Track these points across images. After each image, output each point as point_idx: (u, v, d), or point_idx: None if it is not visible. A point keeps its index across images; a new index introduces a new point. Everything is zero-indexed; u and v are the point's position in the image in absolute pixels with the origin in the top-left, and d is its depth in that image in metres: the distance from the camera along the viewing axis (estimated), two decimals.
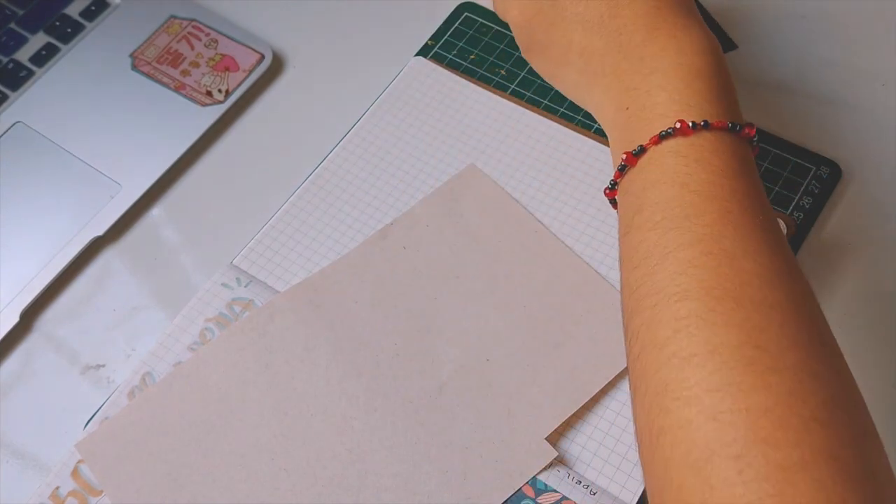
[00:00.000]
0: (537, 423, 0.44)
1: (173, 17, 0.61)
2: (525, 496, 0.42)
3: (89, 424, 0.46)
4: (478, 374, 0.45)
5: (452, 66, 0.58)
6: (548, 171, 0.52)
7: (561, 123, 0.54)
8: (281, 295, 0.48)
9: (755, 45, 0.57)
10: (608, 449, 0.44)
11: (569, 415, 0.44)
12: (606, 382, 0.44)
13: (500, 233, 0.50)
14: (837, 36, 0.57)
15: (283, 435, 0.44)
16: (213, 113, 0.56)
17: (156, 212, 0.54)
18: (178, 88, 0.57)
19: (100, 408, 0.46)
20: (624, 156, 0.38)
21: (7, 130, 0.56)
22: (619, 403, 0.45)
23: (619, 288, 0.47)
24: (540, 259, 0.49)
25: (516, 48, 0.58)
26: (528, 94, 0.56)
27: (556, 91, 0.56)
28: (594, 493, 0.42)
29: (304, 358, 0.46)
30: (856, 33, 0.57)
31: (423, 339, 0.47)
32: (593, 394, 0.44)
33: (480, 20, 0.60)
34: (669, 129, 0.37)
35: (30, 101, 0.58)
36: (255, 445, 0.44)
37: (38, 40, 0.60)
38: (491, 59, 0.58)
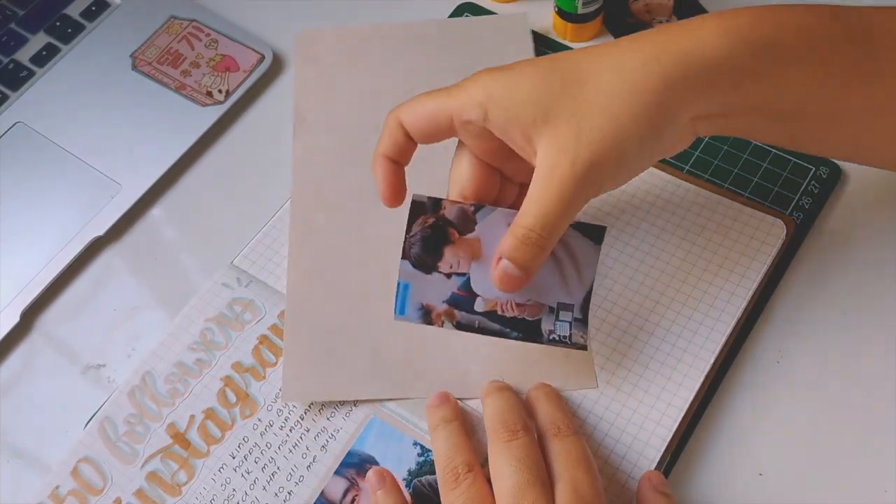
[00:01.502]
0: None
1: (174, 17, 0.61)
2: None
3: (89, 424, 0.46)
4: None
5: None
6: None
7: None
8: None
9: None
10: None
11: None
12: None
13: None
14: None
15: None
16: (214, 113, 0.56)
17: (156, 212, 0.54)
18: (179, 89, 0.57)
19: (100, 407, 0.46)
20: None
21: (7, 130, 0.57)
22: None
23: None
24: None
25: None
26: None
27: None
28: None
29: None
30: None
31: None
32: None
33: None
34: None
35: (30, 102, 0.58)
36: None
37: (38, 40, 0.60)
38: None
